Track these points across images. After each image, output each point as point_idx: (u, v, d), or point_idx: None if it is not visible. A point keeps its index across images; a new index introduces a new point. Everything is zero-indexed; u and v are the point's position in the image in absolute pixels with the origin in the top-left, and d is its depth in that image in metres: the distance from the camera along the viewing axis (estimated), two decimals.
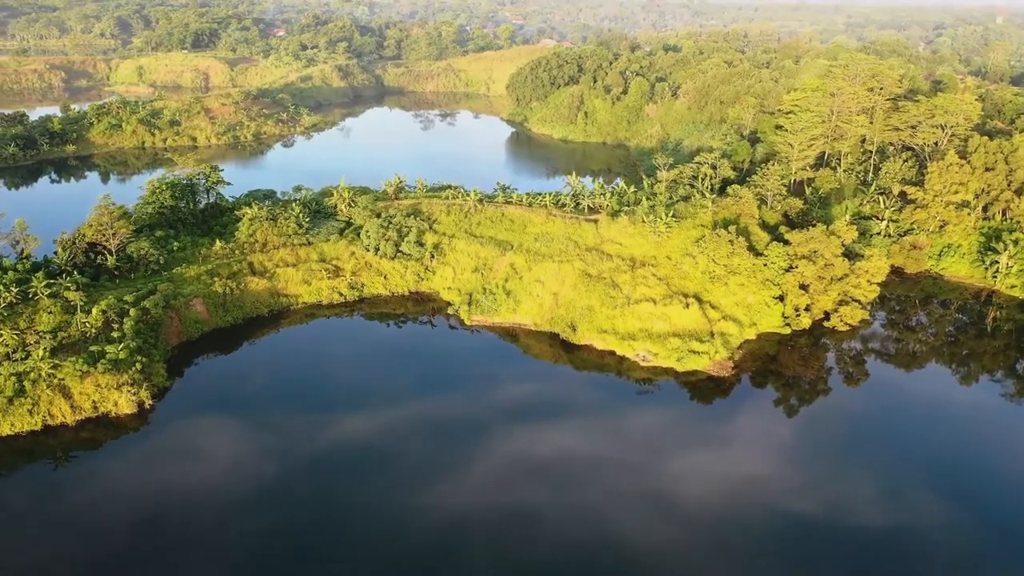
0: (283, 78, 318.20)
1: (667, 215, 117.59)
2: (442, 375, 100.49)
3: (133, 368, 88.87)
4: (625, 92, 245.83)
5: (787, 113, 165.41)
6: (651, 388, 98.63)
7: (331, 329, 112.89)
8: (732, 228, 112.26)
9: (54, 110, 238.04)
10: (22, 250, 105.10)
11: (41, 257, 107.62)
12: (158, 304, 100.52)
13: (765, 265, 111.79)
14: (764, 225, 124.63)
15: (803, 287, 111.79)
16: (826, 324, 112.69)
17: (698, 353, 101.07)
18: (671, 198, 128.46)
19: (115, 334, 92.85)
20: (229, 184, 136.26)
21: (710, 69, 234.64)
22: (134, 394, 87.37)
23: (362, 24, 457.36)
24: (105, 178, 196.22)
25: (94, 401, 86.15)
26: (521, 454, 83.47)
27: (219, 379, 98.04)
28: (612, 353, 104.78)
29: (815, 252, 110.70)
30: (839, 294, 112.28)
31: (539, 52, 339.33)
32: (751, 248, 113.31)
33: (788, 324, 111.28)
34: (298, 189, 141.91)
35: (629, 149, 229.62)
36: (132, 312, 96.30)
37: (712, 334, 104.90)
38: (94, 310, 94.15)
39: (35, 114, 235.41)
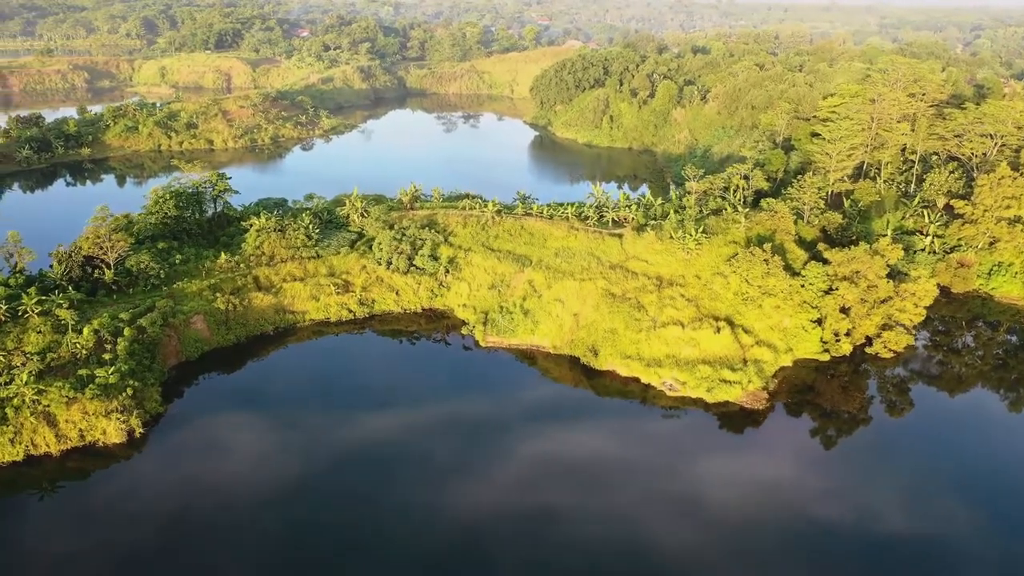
0: (304, 79, 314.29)
1: (697, 231, 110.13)
2: (455, 404, 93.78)
3: (124, 394, 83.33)
4: (652, 96, 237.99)
5: (824, 120, 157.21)
6: (678, 420, 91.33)
7: (338, 349, 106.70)
8: (767, 246, 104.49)
9: (76, 111, 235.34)
10: (16, 264, 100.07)
11: (37, 271, 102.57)
12: (155, 322, 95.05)
13: (803, 286, 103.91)
14: (800, 241, 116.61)
15: (843, 310, 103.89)
16: (868, 350, 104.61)
17: (730, 383, 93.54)
18: (701, 211, 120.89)
19: (107, 356, 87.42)
20: (237, 193, 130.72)
21: (741, 72, 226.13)
22: (124, 422, 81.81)
23: (386, 25, 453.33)
24: (121, 182, 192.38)
25: (81, 429, 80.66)
26: (538, 494, 76.76)
27: (217, 404, 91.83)
28: (636, 380, 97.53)
29: (857, 273, 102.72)
30: (883, 318, 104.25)
31: (564, 53, 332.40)
32: (787, 267, 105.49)
33: (827, 350, 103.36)
34: (309, 198, 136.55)
35: (656, 155, 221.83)
36: (126, 332, 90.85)
37: (745, 361, 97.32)
38: (85, 330, 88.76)
39: (58, 115, 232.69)
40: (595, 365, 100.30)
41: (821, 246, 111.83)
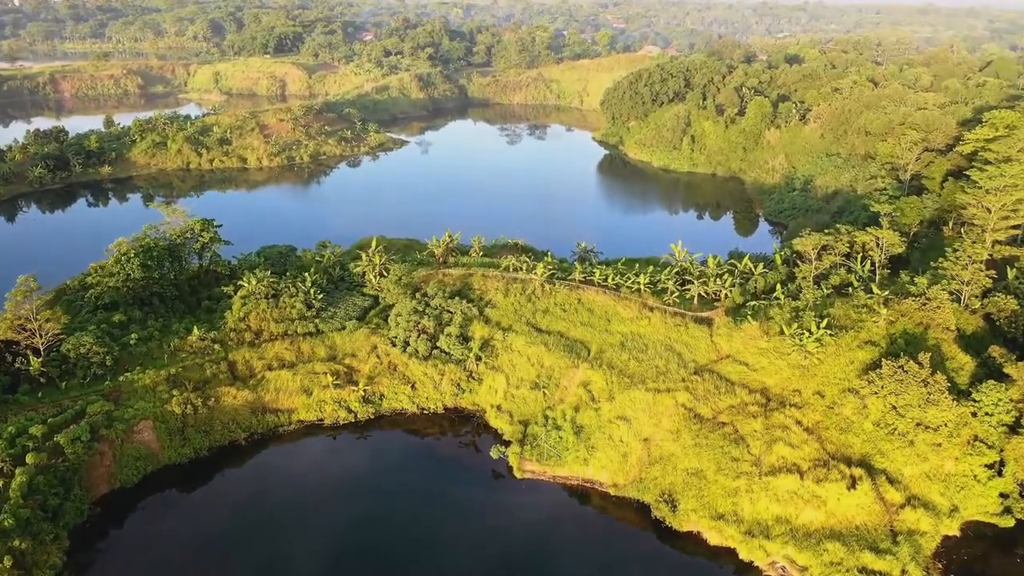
0: (358, 88, 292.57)
1: (819, 325, 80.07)
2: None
3: (2, 562, 59.09)
4: (741, 113, 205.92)
5: (970, 156, 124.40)
6: None
7: (323, 475, 79.05)
8: (925, 357, 73.49)
9: (130, 117, 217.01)
10: None
11: None
12: (79, 438, 70.94)
13: (974, 414, 73.04)
14: (960, 337, 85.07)
15: None
16: None
17: (875, 574, 63.45)
18: (820, 288, 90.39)
19: None
20: (228, 243, 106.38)
21: (849, 88, 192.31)
22: None
23: (453, 28, 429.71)
24: (148, 201, 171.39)
25: None
26: None
27: (150, 568, 66.49)
28: (731, 553, 68.12)
29: None
30: None
31: (640, 61, 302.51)
32: (951, 385, 74.51)
33: (1009, 509, 72.11)
34: (323, 246, 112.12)
35: (745, 183, 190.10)
36: (30, 458, 66.89)
37: (893, 533, 67.08)
38: None
39: (94, 125, 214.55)
40: (672, 522, 71.06)
41: (995, 350, 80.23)
